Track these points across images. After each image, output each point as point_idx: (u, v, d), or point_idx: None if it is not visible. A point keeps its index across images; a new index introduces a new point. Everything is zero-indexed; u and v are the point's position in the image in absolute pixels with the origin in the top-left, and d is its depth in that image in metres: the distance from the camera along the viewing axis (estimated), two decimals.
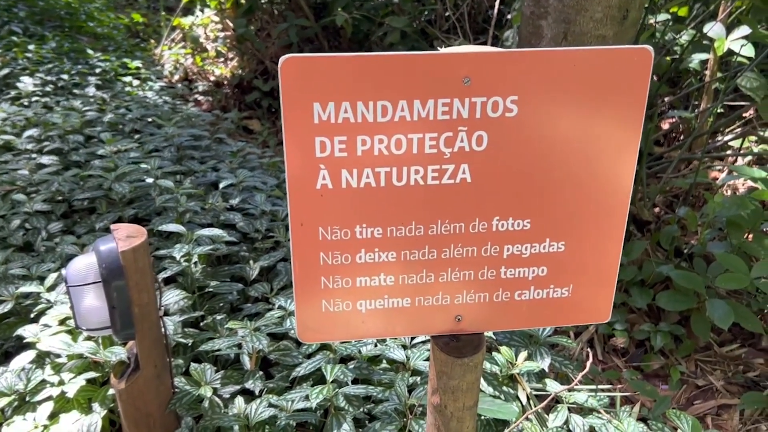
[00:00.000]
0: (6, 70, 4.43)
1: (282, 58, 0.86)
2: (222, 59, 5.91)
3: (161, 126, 3.65)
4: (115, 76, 4.95)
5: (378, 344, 1.84)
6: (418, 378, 1.71)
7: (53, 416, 1.59)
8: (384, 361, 1.85)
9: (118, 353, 1.61)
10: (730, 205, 2.44)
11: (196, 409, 1.64)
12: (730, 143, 3.43)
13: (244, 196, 2.71)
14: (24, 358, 1.71)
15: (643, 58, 0.91)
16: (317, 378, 1.74)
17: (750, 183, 3.21)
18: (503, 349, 1.75)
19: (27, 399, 1.63)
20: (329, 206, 0.95)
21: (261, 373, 1.74)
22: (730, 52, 2.60)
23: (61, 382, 1.64)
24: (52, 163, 2.93)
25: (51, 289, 1.97)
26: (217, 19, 6.04)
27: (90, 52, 5.51)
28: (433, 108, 0.90)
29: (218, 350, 1.77)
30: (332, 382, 1.60)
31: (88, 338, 1.73)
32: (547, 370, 1.75)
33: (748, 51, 2.50)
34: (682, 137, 3.72)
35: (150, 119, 3.81)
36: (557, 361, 1.82)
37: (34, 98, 4.00)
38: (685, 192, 3.11)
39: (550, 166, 0.96)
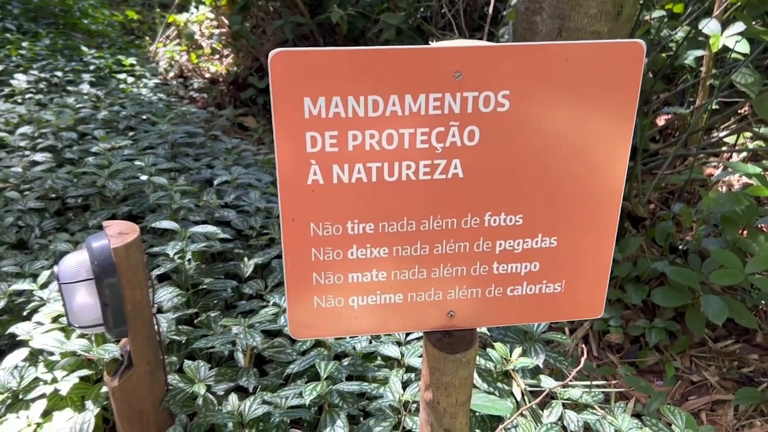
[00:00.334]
0: None
1: (272, 53, 0.86)
2: (217, 56, 5.89)
3: (155, 123, 3.63)
4: (110, 74, 4.93)
5: (372, 341, 1.84)
6: (413, 375, 1.71)
7: (46, 414, 1.58)
8: (378, 358, 1.84)
9: (112, 350, 1.60)
10: (725, 201, 2.45)
11: (190, 406, 1.64)
12: (725, 139, 3.43)
13: (239, 193, 2.70)
14: (17, 356, 1.70)
15: (636, 52, 0.90)
16: (311, 375, 1.74)
17: (745, 179, 3.21)
18: (498, 345, 1.74)
19: (20, 397, 1.62)
20: (321, 202, 0.95)
21: (255, 370, 1.73)
22: (725, 49, 2.60)
23: (55, 380, 1.64)
24: (46, 161, 2.92)
25: (44, 286, 1.96)
26: (212, 16, 6.02)
27: (84, 49, 5.48)
28: (425, 102, 0.90)
29: (212, 347, 1.77)
30: (326, 378, 1.60)
31: (81, 336, 1.73)
32: (541, 366, 1.75)
33: (743, 47, 2.50)
34: (677, 133, 3.72)
35: (144, 116, 3.80)
36: (552, 357, 1.82)
37: (28, 95, 3.98)
38: (680, 188, 3.12)
39: (543, 160, 0.95)
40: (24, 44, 5.13)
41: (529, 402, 1.65)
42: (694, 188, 3.28)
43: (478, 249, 1.01)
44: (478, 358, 1.73)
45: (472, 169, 0.95)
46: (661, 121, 3.84)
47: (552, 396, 1.69)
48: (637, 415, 2.12)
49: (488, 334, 1.87)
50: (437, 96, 0.90)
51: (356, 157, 0.92)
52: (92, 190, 2.63)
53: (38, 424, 1.55)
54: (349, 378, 1.75)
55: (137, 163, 2.85)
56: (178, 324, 1.91)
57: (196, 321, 1.98)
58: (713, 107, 3.25)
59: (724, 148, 3.41)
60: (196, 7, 6.19)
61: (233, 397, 1.61)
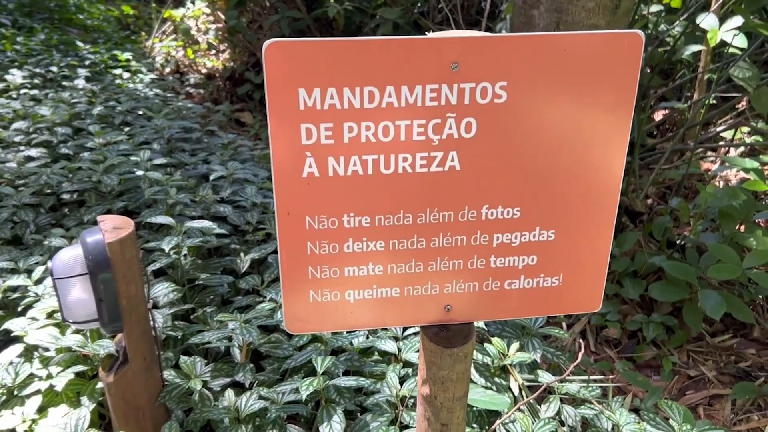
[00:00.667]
0: None
1: (266, 43, 0.84)
2: (213, 51, 5.87)
3: (151, 118, 3.61)
4: (105, 69, 4.90)
5: (369, 336, 1.84)
6: (410, 369, 1.70)
7: (42, 410, 1.57)
8: (375, 353, 1.84)
9: (107, 346, 1.59)
10: (723, 195, 2.44)
11: (186, 402, 1.63)
12: (722, 134, 3.43)
13: (235, 188, 2.69)
14: (12, 352, 1.69)
15: (634, 42, 0.89)
16: (308, 370, 1.73)
17: (742, 174, 3.21)
18: (495, 340, 1.74)
19: (15, 393, 1.61)
20: (316, 195, 0.94)
21: (251, 365, 1.73)
22: (723, 43, 2.59)
23: (50, 376, 1.63)
24: (41, 156, 2.90)
25: (39, 282, 1.95)
26: (208, 10, 5.99)
27: (79, 44, 5.45)
28: (421, 94, 0.89)
29: (208, 343, 1.76)
30: (323, 374, 1.59)
31: (77, 331, 1.72)
32: (539, 360, 1.74)
33: (741, 41, 2.49)
34: (674, 128, 3.72)
35: (140, 111, 3.78)
36: (549, 352, 1.81)
37: (23, 90, 3.95)
38: (678, 183, 3.11)
39: (541, 153, 0.94)
40: (19, 39, 5.10)
41: (527, 397, 1.65)
42: (691, 183, 3.28)
43: (475, 242, 1.00)
44: (475, 352, 1.72)
45: (469, 162, 0.94)
46: (658, 115, 3.84)
47: (549, 391, 1.69)
48: (634, 410, 2.12)
49: (485, 328, 1.86)
50: (434, 87, 0.89)
51: (352, 150, 0.91)
52: (87, 185, 2.62)
53: (33, 420, 1.54)
54: (346, 373, 1.74)
55: (133, 158, 2.84)
56: (174, 319, 1.90)
57: (192, 316, 1.97)
58: (711, 102, 3.25)
59: (721, 143, 3.40)
60: (192, 2, 6.16)
61: (230, 393, 1.60)
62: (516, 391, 1.68)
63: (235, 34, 5.26)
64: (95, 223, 2.41)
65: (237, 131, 4.54)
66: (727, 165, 2.82)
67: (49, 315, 1.78)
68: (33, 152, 2.92)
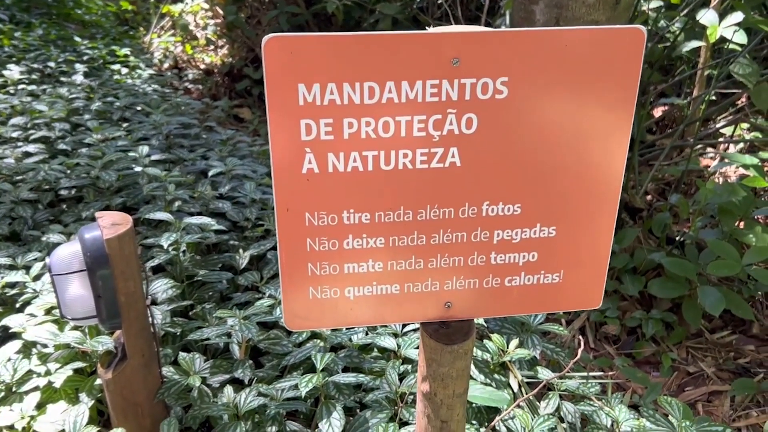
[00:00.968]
0: None
1: (265, 38, 0.84)
2: (212, 47, 5.85)
3: (150, 114, 3.60)
4: (103, 64, 4.89)
5: (369, 332, 1.83)
6: (410, 366, 1.70)
7: (40, 406, 1.57)
8: (375, 350, 1.84)
9: (105, 343, 1.58)
10: (722, 192, 2.44)
11: (185, 398, 1.62)
12: (722, 130, 3.42)
13: (234, 184, 2.68)
14: (10, 348, 1.69)
15: (636, 38, 0.89)
16: (308, 367, 1.73)
17: (742, 170, 3.21)
18: (495, 336, 1.74)
19: (14, 389, 1.61)
20: (316, 191, 0.93)
21: (251, 362, 1.72)
22: (723, 39, 2.58)
23: (48, 372, 1.62)
24: (39, 152, 2.89)
25: (37, 278, 1.95)
26: (206, 6, 5.97)
27: (77, 39, 5.43)
28: (422, 89, 0.88)
29: (207, 339, 1.75)
30: (322, 370, 1.59)
31: (75, 328, 1.71)
32: (538, 357, 1.74)
33: (741, 37, 2.49)
34: (674, 125, 3.71)
35: (138, 107, 3.77)
36: (549, 348, 1.81)
37: (21, 86, 3.94)
38: (677, 179, 3.11)
39: (542, 149, 0.94)
40: (17, 34, 5.08)
41: (526, 393, 1.64)
42: (691, 179, 3.28)
43: (475, 239, 0.99)
44: (475, 349, 1.72)
45: (470, 158, 0.93)
46: (658, 112, 3.83)
47: (549, 387, 1.69)
48: (633, 406, 2.12)
49: (485, 325, 1.86)
50: (434, 83, 0.88)
51: (352, 146, 0.90)
52: (86, 181, 2.61)
53: (32, 417, 1.53)
54: (345, 370, 1.74)
55: (131, 154, 2.83)
56: (172, 316, 1.90)
57: (191, 313, 1.96)
58: (710, 98, 3.24)
59: (721, 139, 3.40)
60: None
61: (228, 389, 1.60)
62: (515, 388, 1.68)
63: (234, 29, 5.24)
64: (93, 219, 2.40)
65: (236, 127, 4.53)
66: (726, 161, 2.81)
67: (48, 311, 1.78)
68: (31, 148, 2.91)
